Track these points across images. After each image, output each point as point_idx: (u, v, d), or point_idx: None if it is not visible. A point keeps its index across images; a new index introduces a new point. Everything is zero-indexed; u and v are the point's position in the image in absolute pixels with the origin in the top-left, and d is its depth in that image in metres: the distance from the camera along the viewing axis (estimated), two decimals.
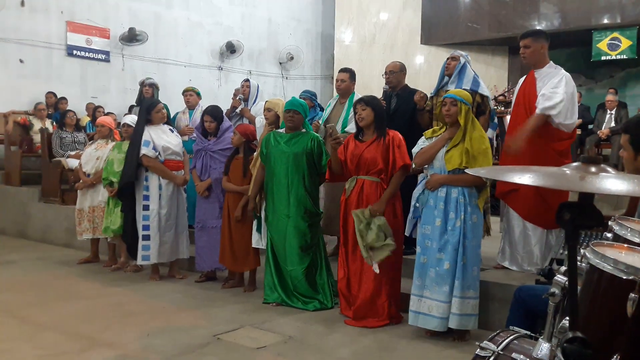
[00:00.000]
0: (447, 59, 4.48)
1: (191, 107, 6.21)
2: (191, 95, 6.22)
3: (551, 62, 3.99)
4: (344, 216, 3.96)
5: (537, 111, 3.78)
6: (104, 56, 9.32)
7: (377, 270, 3.73)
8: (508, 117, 4.40)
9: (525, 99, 3.99)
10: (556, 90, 3.77)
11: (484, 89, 4.36)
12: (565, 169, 1.44)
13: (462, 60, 4.38)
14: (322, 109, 5.70)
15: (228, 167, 4.70)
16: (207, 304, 4.31)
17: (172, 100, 5.88)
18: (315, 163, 4.21)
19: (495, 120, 4.26)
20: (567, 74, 3.89)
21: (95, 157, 5.60)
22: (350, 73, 5.02)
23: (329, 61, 11.91)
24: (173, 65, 10.00)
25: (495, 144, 4.41)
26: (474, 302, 3.49)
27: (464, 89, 4.16)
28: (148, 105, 5.08)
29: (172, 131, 5.11)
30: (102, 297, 4.50)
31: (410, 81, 4.97)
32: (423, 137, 3.68)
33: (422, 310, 3.53)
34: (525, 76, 4.15)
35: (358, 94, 4.96)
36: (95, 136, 5.97)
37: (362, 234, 3.71)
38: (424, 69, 10.91)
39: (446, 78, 4.47)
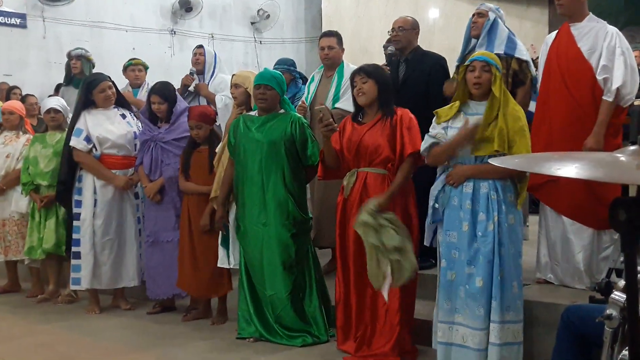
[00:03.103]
0: (473, 15, 4.49)
1: (137, 85, 6.18)
2: (140, 70, 6.20)
3: (591, 14, 4.02)
4: (342, 221, 3.96)
5: (608, 98, 3.83)
6: (18, 20, 9.22)
7: (387, 298, 3.75)
8: None
9: (561, 60, 4.00)
10: (617, 61, 3.83)
11: (523, 52, 4.36)
12: (618, 154, 1.44)
13: (492, 15, 4.39)
14: (305, 82, 5.69)
15: (187, 162, 4.69)
16: (164, 342, 4.30)
17: (111, 76, 5.82)
18: (298, 153, 4.20)
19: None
20: (616, 29, 3.93)
21: (5, 154, 5.55)
22: (337, 37, 5.03)
23: (315, 19, 11.85)
24: (111, 30, 9.91)
25: None
26: (517, 327, 3.50)
27: (496, 54, 4.16)
28: (89, 83, 5.09)
29: (125, 117, 5.07)
30: (26, 336, 4.48)
31: (422, 41, 4.98)
32: (435, 120, 3.66)
33: (455, 340, 3.53)
34: (556, 32, 4.15)
35: (350, 64, 4.96)
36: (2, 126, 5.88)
37: (375, 246, 3.68)
38: (439, 25, 10.89)
39: (473, 40, 4.48)
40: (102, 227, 4.93)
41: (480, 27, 4.40)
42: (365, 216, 3.69)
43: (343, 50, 5.09)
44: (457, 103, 3.63)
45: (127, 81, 6.36)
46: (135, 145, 5.03)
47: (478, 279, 3.46)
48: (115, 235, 4.98)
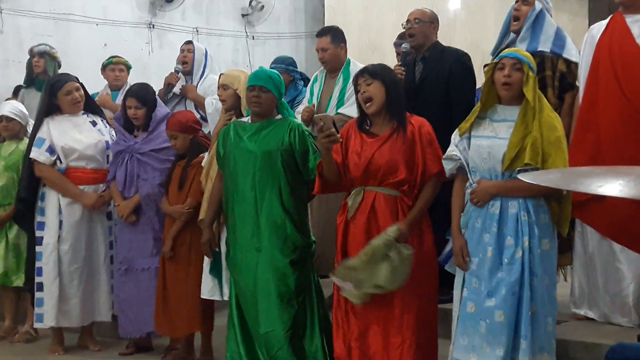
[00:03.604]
0: (516, 1, 4.50)
1: (116, 88, 6.22)
2: (121, 69, 6.23)
3: None
4: (343, 246, 3.96)
5: None
6: None
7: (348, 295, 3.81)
8: None
9: (614, 56, 4.00)
10: None
11: (572, 52, 4.38)
12: None
13: (538, 5, 4.40)
14: (306, 83, 5.72)
15: (168, 178, 4.73)
16: None
17: (79, 77, 5.82)
18: (297, 166, 4.21)
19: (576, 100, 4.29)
20: None
21: None
22: (332, 35, 5.11)
23: (316, 11, 11.88)
24: (79, 23, 9.94)
25: None
26: None
27: (540, 51, 4.17)
28: (52, 84, 5.09)
29: (95, 124, 5.08)
30: None
31: (442, 37, 5.03)
32: (456, 133, 3.68)
33: None
34: (604, 22, 4.16)
35: (357, 62, 4.98)
36: None
37: (368, 267, 3.70)
38: (461, 19, 10.93)
39: (512, 34, 4.49)
40: (69, 252, 4.90)
41: (523, 19, 4.40)
42: (379, 242, 3.68)
43: (342, 47, 5.13)
44: (477, 108, 3.64)
45: (106, 82, 6.40)
46: (108, 157, 5.03)
47: (499, 312, 3.45)
48: (85, 263, 4.96)
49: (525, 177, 1.60)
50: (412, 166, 3.81)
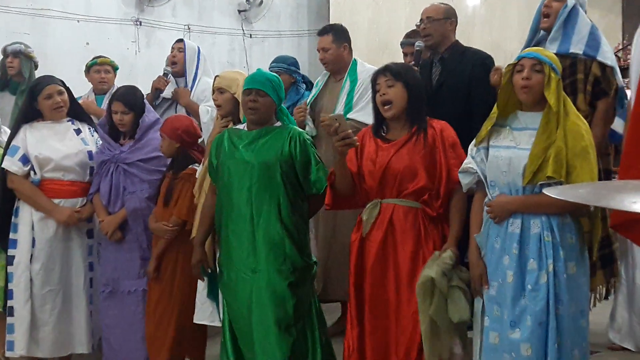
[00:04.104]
0: None
1: (102, 91, 6.22)
2: (107, 71, 6.24)
3: None
4: (358, 266, 3.97)
5: None
6: None
7: None
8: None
9: None
10: None
11: (607, 54, 4.38)
12: None
13: (571, 1, 4.41)
14: (310, 87, 5.73)
15: (158, 191, 4.75)
16: None
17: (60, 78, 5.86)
18: (298, 178, 4.21)
19: (627, 105, 4.27)
20: None
21: None
22: (334, 33, 5.13)
23: (320, 7, 11.91)
24: (59, 20, 9.98)
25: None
26: None
27: (572, 53, 4.17)
28: (32, 87, 5.09)
29: (79, 132, 5.07)
30: None
31: (460, 36, 5.05)
32: (473, 144, 3.68)
33: None
34: None
35: (364, 63, 4.99)
36: None
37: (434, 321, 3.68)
38: (480, 16, 10.95)
39: (542, 32, 4.50)
40: (42, 273, 4.86)
41: (554, 16, 4.41)
42: (435, 271, 3.66)
43: (345, 47, 5.14)
44: (493, 114, 3.63)
45: (91, 86, 6.42)
46: (92, 168, 5.01)
47: (525, 346, 3.44)
48: (60, 285, 4.91)
49: (550, 192, 1.59)
50: (433, 173, 3.82)
